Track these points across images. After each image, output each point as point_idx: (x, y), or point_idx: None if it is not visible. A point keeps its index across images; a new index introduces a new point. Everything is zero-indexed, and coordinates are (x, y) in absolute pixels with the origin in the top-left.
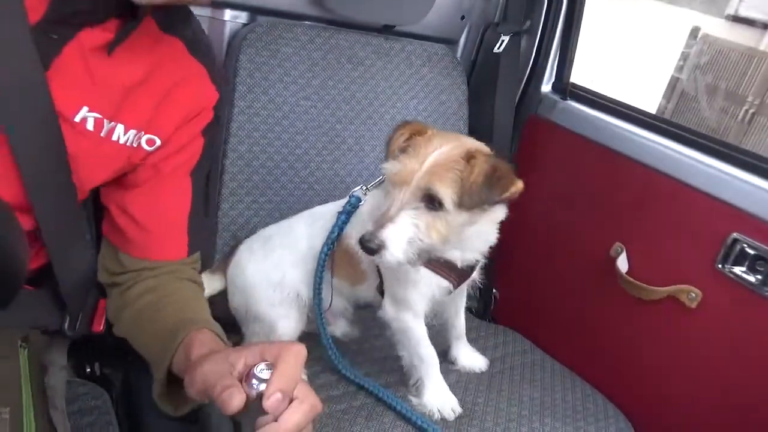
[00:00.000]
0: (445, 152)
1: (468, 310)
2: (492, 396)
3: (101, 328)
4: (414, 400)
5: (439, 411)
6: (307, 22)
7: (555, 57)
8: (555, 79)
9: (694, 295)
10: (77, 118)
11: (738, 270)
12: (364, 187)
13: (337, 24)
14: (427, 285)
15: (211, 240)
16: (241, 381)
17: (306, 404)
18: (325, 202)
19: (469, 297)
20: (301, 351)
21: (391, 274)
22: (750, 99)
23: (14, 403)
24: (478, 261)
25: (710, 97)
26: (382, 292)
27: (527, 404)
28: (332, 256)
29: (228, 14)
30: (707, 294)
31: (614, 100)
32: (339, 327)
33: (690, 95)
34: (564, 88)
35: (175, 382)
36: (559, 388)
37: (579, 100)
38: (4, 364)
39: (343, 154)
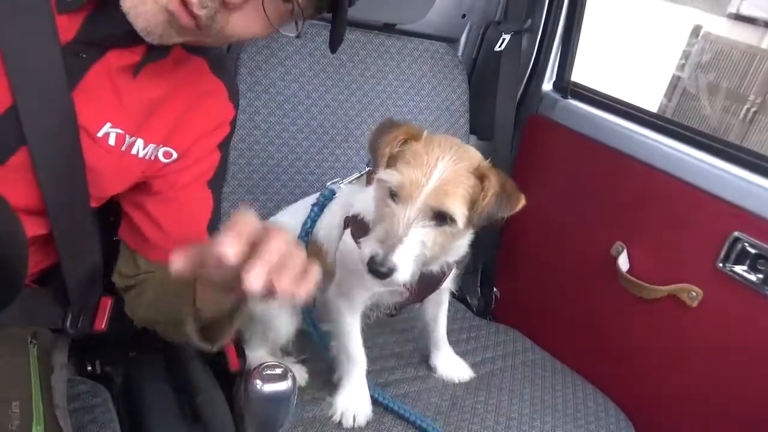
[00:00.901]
0: (451, 166)
1: (469, 308)
2: (493, 394)
3: (103, 326)
4: (328, 398)
5: (342, 414)
6: (307, 21)
7: (556, 55)
8: (556, 78)
9: (694, 294)
10: (100, 134)
11: (739, 269)
12: (339, 181)
13: None
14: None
15: None
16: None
17: (282, 238)
18: None
19: (470, 295)
20: (284, 236)
21: (341, 257)
22: (751, 98)
23: (24, 397)
24: (445, 272)
25: (712, 96)
26: None
27: (528, 403)
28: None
29: None
30: (708, 293)
31: (615, 98)
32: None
33: (691, 94)
34: (565, 86)
35: (207, 329)
36: (559, 387)
37: (580, 99)
38: (14, 360)
39: (344, 153)
